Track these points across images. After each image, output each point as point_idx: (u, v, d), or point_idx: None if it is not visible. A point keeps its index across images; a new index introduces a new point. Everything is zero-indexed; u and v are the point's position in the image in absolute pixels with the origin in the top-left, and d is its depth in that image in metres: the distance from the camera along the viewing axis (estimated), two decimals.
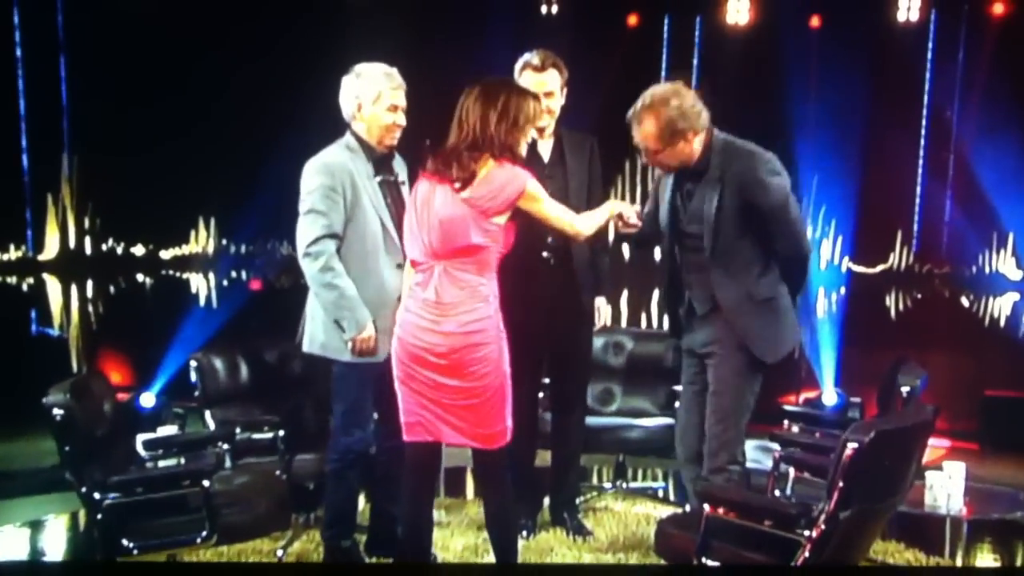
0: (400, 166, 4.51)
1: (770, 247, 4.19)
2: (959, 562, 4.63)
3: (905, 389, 4.43)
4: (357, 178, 4.30)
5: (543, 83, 4.69)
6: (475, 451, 3.98)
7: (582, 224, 4.12)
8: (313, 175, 4.27)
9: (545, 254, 4.75)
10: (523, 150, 3.95)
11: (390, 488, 4.53)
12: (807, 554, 3.40)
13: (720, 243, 4.19)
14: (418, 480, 4.07)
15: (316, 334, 4.38)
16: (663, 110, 4.10)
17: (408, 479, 4.07)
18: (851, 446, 3.34)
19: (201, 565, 4.50)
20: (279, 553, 4.76)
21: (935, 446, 6.56)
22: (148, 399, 7.19)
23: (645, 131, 4.14)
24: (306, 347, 4.43)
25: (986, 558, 4.94)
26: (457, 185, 3.82)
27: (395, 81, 4.35)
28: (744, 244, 4.19)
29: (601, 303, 4.98)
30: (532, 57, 4.76)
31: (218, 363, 5.19)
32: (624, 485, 5.81)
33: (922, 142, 8.63)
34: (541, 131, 4.66)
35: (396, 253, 4.29)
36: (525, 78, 4.69)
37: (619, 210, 4.32)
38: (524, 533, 4.94)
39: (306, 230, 4.26)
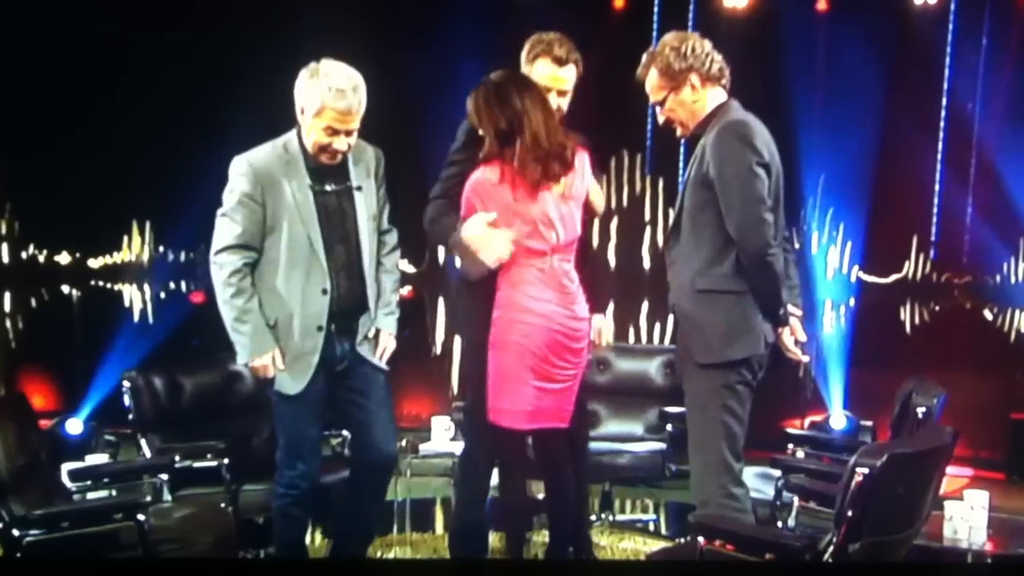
0: (363, 169, 4.36)
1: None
2: None
3: (921, 410, 4.48)
4: (283, 187, 4.21)
5: (561, 80, 4.52)
6: (558, 432, 4.44)
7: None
8: (234, 175, 4.25)
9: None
10: None
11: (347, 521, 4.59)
12: None
13: (681, 223, 4.23)
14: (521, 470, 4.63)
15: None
16: (664, 50, 4.21)
17: (510, 470, 4.59)
18: (861, 471, 3.37)
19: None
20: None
21: (956, 475, 6.62)
22: (75, 425, 7.18)
23: (650, 79, 4.25)
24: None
25: None
26: (563, 183, 4.31)
27: (344, 102, 4.12)
28: (698, 225, 4.16)
29: (599, 321, 4.72)
30: (554, 45, 4.50)
31: (154, 383, 5.18)
32: (611, 518, 5.85)
33: (940, 138, 8.68)
34: None
35: (321, 275, 4.25)
36: (540, 68, 4.50)
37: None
38: None
39: (217, 235, 4.27)
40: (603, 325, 4.75)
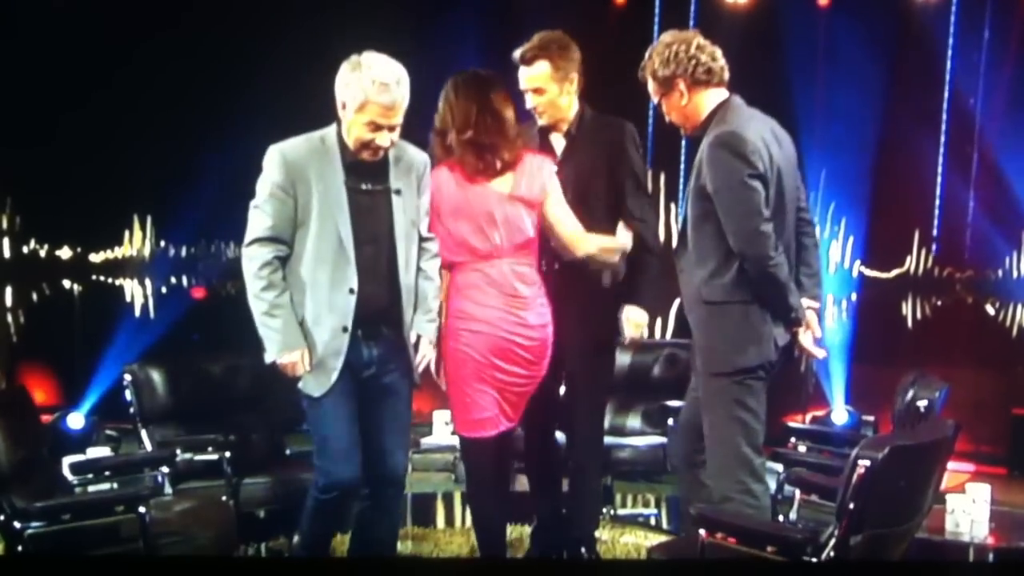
0: (403, 170, 4.22)
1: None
2: None
3: (923, 404, 4.48)
4: (317, 181, 4.08)
5: (528, 79, 4.61)
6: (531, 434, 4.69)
7: (585, 239, 4.44)
8: (267, 165, 4.11)
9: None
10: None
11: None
12: None
13: (686, 232, 4.25)
14: (492, 474, 4.51)
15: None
16: (654, 52, 4.24)
17: (481, 474, 4.51)
18: (863, 464, 3.36)
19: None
20: None
21: (957, 470, 6.61)
22: (76, 420, 7.19)
23: (648, 82, 4.28)
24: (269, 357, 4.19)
25: None
26: (509, 183, 4.33)
27: (388, 96, 4.01)
28: (702, 235, 4.17)
29: (634, 314, 4.71)
30: (523, 46, 4.62)
31: (155, 376, 5.18)
32: (612, 512, 5.84)
33: (943, 133, 8.68)
34: (552, 127, 4.69)
35: (349, 275, 4.09)
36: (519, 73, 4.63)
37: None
38: None
39: (249, 226, 4.13)
40: (627, 316, 4.71)
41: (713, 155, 4.07)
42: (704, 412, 4.21)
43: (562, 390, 4.93)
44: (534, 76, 4.61)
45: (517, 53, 4.65)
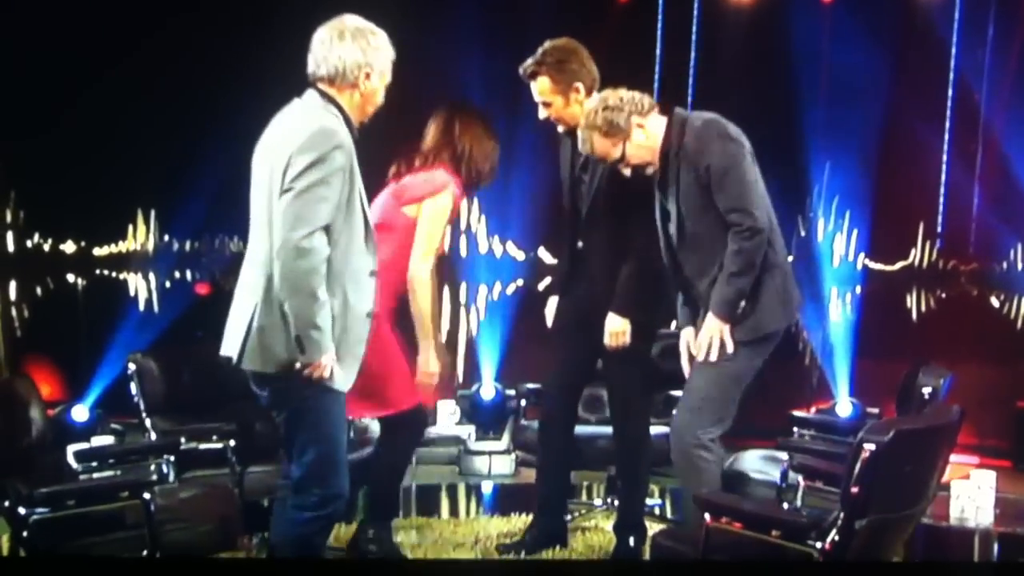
0: None
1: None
2: None
3: (927, 391, 4.48)
4: (354, 161, 3.86)
5: (536, 93, 4.80)
6: None
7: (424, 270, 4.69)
8: (329, 145, 3.74)
9: (580, 244, 4.95)
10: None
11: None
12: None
13: (684, 231, 4.50)
14: None
15: (275, 348, 3.79)
16: (595, 118, 4.46)
17: None
18: (868, 448, 3.38)
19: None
20: None
21: (962, 463, 6.61)
22: (81, 412, 7.19)
23: (600, 148, 4.50)
24: (253, 364, 3.84)
25: None
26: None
27: (392, 54, 4.01)
28: (711, 225, 4.43)
29: (611, 322, 4.82)
30: (522, 66, 4.81)
31: (159, 365, 5.19)
32: (616, 502, 5.84)
33: (947, 125, 8.67)
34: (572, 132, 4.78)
35: (370, 256, 3.94)
36: None
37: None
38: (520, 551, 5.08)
39: (305, 214, 3.69)
40: (606, 325, 4.83)
41: (710, 149, 4.32)
42: (704, 377, 4.41)
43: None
44: (538, 90, 4.80)
45: (520, 69, 4.83)
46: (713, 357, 4.35)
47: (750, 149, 4.38)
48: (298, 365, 3.74)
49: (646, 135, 4.40)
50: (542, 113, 4.84)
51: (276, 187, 3.76)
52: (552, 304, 5.15)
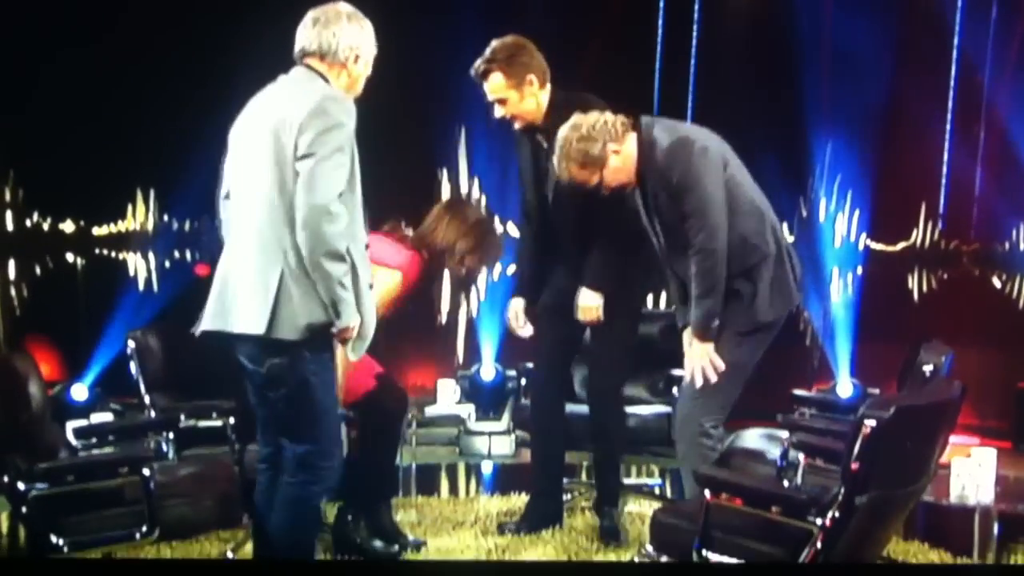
0: None
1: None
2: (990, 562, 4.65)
3: (928, 368, 4.48)
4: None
5: (488, 92, 4.83)
6: None
7: None
8: (344, 114, 3.76)
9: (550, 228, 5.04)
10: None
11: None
12: (819, 545, 3.44)
13: (669, 236, 4.58)
14: None
15: (312, 315, 3.74)
16: (569, 150, 4.46)
17: None
18: (868, 423, 3.38)
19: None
20: (229, 555, 4.77)
21: (962, 444, 6.60)
22: (80, 391, 7.19)
23: (578, 177, 4.50)
24: (284, 333, 3.73)
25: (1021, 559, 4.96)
26: None
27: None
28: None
29: (583, 297, 4.94)
30: (472, 67, 4.84)
31: (159, 342, 5.19)
32: None
33: (950, 106, 8.67)
34: (529, 128, 4.88)
35: (364, 229, 3.93)
36: None
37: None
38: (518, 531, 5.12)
39: (331, 178, 3.69)
40: (577, 299, 4.93)
41: (682, 168, 4.36)
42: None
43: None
44: (491, 89, 4.82)
45: (471, 71, 4.86)
46: (712, 378, 4.40)
47: (723, 154, 4.43)
48: (334, 330, 3.74)
49: (622, 159, 4.44)
50: (498, 112, 4.86)
51: (287, 154, 3.71)
52: (515, 305, 5.19)
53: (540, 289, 5.14)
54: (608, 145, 4.39)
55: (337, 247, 3.66)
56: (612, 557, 4.88)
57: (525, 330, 5.15)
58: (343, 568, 4.47)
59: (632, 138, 4.45)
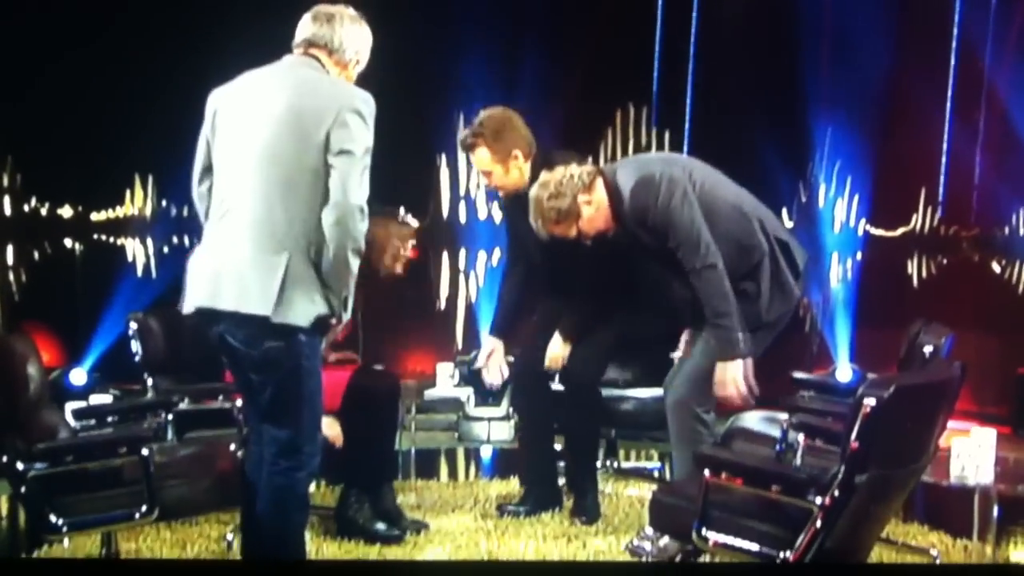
0: None
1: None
2: (988, 547, 4.65)
3: (928, 349, 4.48)
4: None
5: (475, 163, 5.02)
6: None
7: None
8: (372, 108, 3.76)
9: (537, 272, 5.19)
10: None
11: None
12: (819, 524, 3.44)
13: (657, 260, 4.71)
14: None
15: (317, 303, 3.74)
16: (542, 209, 4.58)
17: None
18: (868, 403, 3.37)
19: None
20: (228, 537, 4.77)
21: (961, 429, 6.60)
22: (79, 376, 7.17)
23: (558, 231, 4.60)
24: (288, 318, 3.67)
25: (1020, 541, 4.97)
26: None
27: None
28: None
29: (554, 347, 5.08)
30: (459, 139, 5.05)
31: (161, 324, 5.18)
32: (615, 464, 5.85)
33: (950, 91, 8.67)
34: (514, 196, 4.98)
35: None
36: None
37: None
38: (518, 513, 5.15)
39: (363, 178, 3.73)
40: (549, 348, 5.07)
41: (649, 208, 4.42)
42: (705, 344, 4.48)
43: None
44: (477, 162, 4.97)
45: (459, 142, 5.09)
46: (751, 402, 4.46)
47: (688, 171, 4.48)
48: (333, 321, 3.78)
49: (595, 207, 4.51)
50: (484, 181, 5.05)
51: (314, 142, 3.66)
52: (490, 345, 5.29)
53: (515, 329, 5.32)
54: (578, 197, 4.49)
55: (363, 245, 3.74)
56: (611, 539, 4.87)
57: (492, 376, 5.29)
58: (343, 568, 4.46)
59: (600, 184, 4.54)
